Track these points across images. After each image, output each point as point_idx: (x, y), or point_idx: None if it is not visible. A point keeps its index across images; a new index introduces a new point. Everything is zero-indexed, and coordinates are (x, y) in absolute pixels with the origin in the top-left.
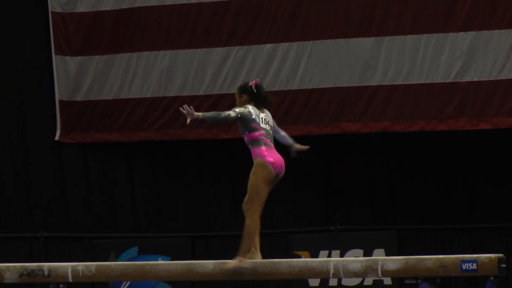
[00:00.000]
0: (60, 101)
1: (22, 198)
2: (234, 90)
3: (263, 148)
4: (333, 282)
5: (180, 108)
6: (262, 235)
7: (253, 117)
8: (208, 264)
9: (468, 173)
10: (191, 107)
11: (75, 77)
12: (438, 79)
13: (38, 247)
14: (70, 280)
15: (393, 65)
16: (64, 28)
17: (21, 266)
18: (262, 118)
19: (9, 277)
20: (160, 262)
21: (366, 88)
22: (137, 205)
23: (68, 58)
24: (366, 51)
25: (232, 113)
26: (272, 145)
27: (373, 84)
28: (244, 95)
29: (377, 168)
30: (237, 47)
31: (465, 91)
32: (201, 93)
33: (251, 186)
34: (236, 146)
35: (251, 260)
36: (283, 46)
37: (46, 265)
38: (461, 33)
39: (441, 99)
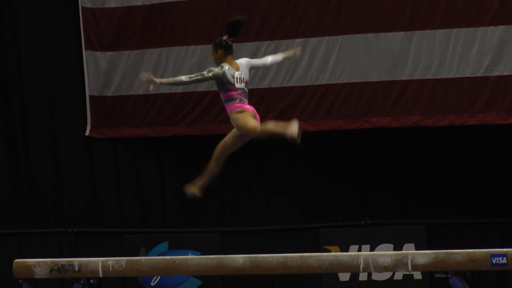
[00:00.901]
0: (90, 96)
1: (53, 193)
2: (263, 85)
3: (237, 103)
4: (363, 276)
5: (141, 76)
6: (291, 230)
7: (228, 78)
8: (238, 259)
9: (498, 167)
10: (148, 73)
11: (105, 72)
12: (468, 74)
13: (68, 242)
14: (101, 275)
15: (423, 60)
16: (95, 23)
17: (51, 261)
18: (237, 78)
19: (40, 273)
20: (190, 256)
21: (396, 83)
22: (167, 200)
23: (98, 53)
24: (396, 46)
25: (205, 73)
26: (247, 101)
27: (403, 78)
28: (219, 50)
29: (407, 163)
30: (267, 41)
31: (495, 85)
32: None
33: (239, 125)
34: (266, 141)
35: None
36: (313, 40)
37: (76, 260)
38: (491, 27)
39: (471, 93)
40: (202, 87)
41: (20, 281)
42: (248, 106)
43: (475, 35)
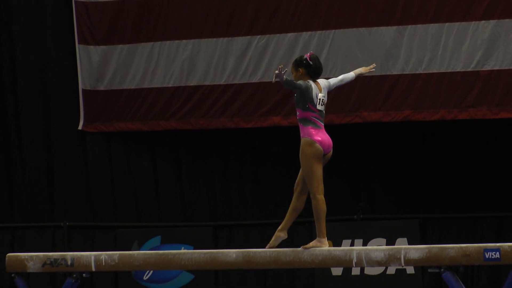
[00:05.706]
0: (83, 90)
1: (46, 187)
2: (255, 79)
3: (310, 127)
4: (355, 271)
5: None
6: None
7: (312, 97)
8: (231, 253)
9: (491, 162)
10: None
11: (98, 66)
12: (459, 68)
13: (61, 236)
14: (94, 269)
15: (414, 54)
16: (88, 17)
17: (44, 255)
18: (320, 99)
19: (32, 267)
20: (183, 251)
21: (387, 77)
22: (160, 194)
23: (91, 47)
24: (388, 40)
25: (302, 84)
26: (322, 125)
27: (394, 73)
28: (300, 69)
29: (400, 157)
30: (258, 36)
31: (486, 80)
32: (222, 82)
33: (304, 168)
34: (258, 135)
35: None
36: (305, 35)
37: (69, 254)
38: (483, 21)
39: (462, 88)
40: (193, 81)
41: (13, 275)
42: (322, 136)
43: (467, 30)
